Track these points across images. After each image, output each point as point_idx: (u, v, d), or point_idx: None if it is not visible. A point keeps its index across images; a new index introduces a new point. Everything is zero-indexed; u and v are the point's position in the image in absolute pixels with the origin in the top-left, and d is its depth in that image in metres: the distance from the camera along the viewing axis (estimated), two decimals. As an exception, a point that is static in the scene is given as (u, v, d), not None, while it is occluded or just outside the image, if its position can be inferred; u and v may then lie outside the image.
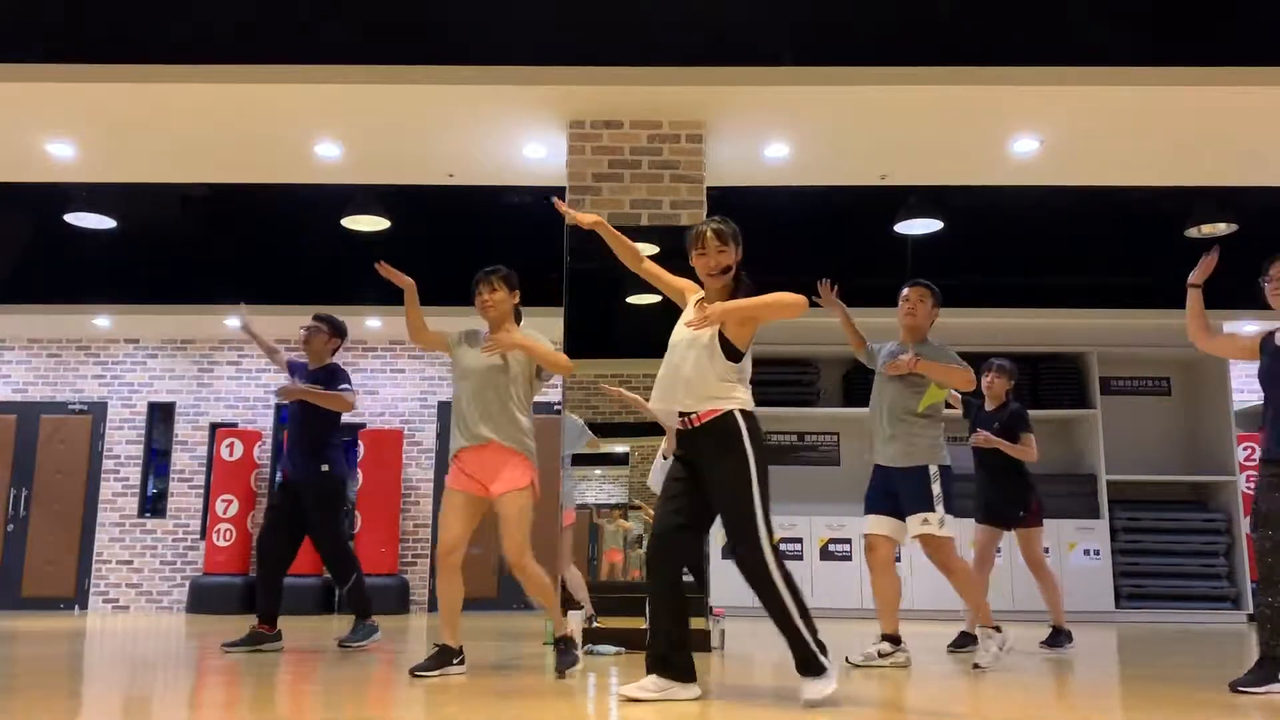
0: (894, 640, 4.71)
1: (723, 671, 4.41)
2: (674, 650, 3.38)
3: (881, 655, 4.66)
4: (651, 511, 5.74)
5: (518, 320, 4.42)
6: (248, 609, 9.70)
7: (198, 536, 10.54)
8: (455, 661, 4.13)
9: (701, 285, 3.65)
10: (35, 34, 5.92)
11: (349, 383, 5.68)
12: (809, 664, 3.29)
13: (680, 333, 3.56)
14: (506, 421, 4.17)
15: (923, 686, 3.91)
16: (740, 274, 3.58)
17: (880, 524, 4.70)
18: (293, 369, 5.77)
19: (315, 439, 5.58)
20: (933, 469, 4.58)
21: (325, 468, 5.58)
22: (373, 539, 10.07)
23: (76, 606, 10.45)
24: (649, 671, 3.38)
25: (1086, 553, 9.23)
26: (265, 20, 5.99)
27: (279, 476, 5.69)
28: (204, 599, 9.84)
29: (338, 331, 5.85)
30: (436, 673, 4.04)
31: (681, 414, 3.47)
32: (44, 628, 7.48)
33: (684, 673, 3.39)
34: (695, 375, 3.43)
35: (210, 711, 3.12)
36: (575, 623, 5.39)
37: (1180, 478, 9.70)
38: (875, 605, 4.80)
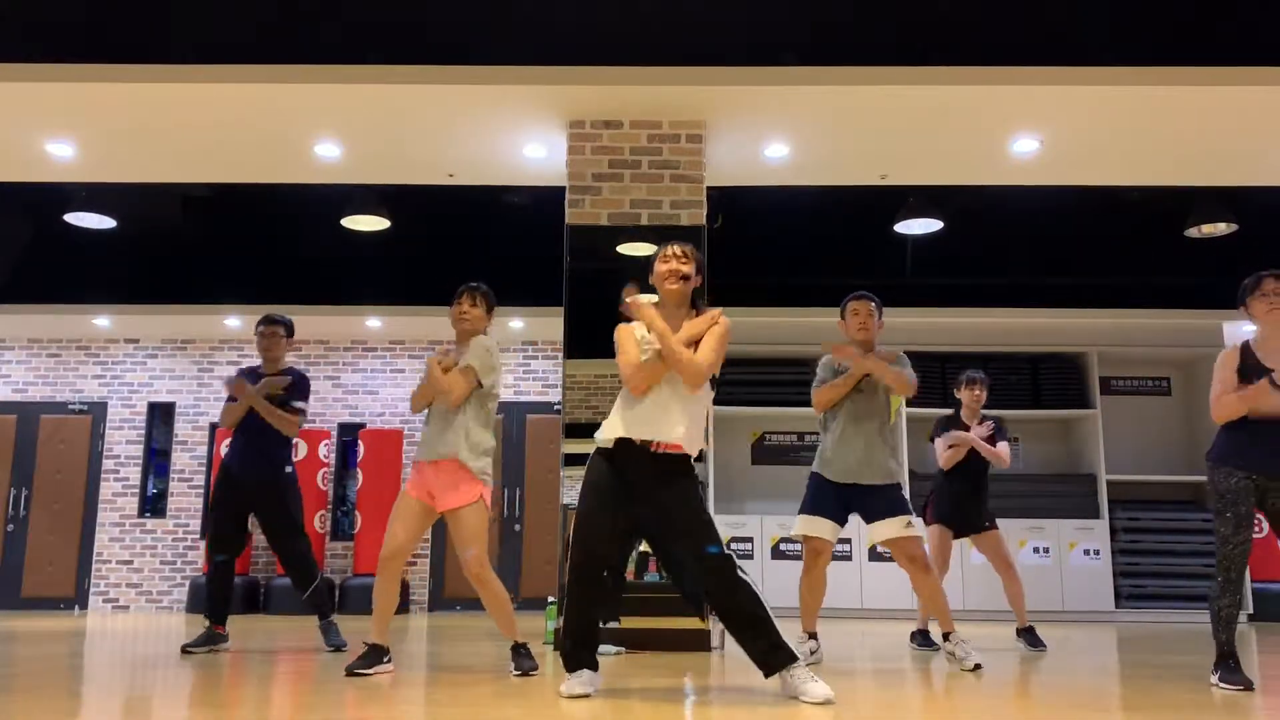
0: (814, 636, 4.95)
1: (723, 671, 4.42)
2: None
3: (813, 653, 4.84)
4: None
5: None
6: (248, 609, 9.71)
7: (198, 536, 10.54)
8: (385, 660, 4.21)
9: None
10: (35, 34, 5.92)
11: (307, 397, 5.57)
12: (779, 650, 3.37)
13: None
14: (462, 439, 4.16)
15: (922, 687, 3.91)
16: (698, 301, 3.76)
17: (828, 528, 4.77)
18: (249, 376, 5.59)
19: (277, 440, 5.52)
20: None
21: (289, 469, 5.54)
22: (373, 539, 10.06)
23: (76, 606, 10.45)
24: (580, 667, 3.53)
25: (1086, 553, 9.23)
26: (265, 20, 6.00)
27: (221, 471, 5.53)
28: (204, 599, 9.83)
29: (291, 332, 5.71)
30: (370, 671, 4.11)
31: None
32: (44, 628, 7.48)
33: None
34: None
35: (210, 711, 3.12)
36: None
37: (1180, 478, 9.70)
38: (808, 605, 4.98)
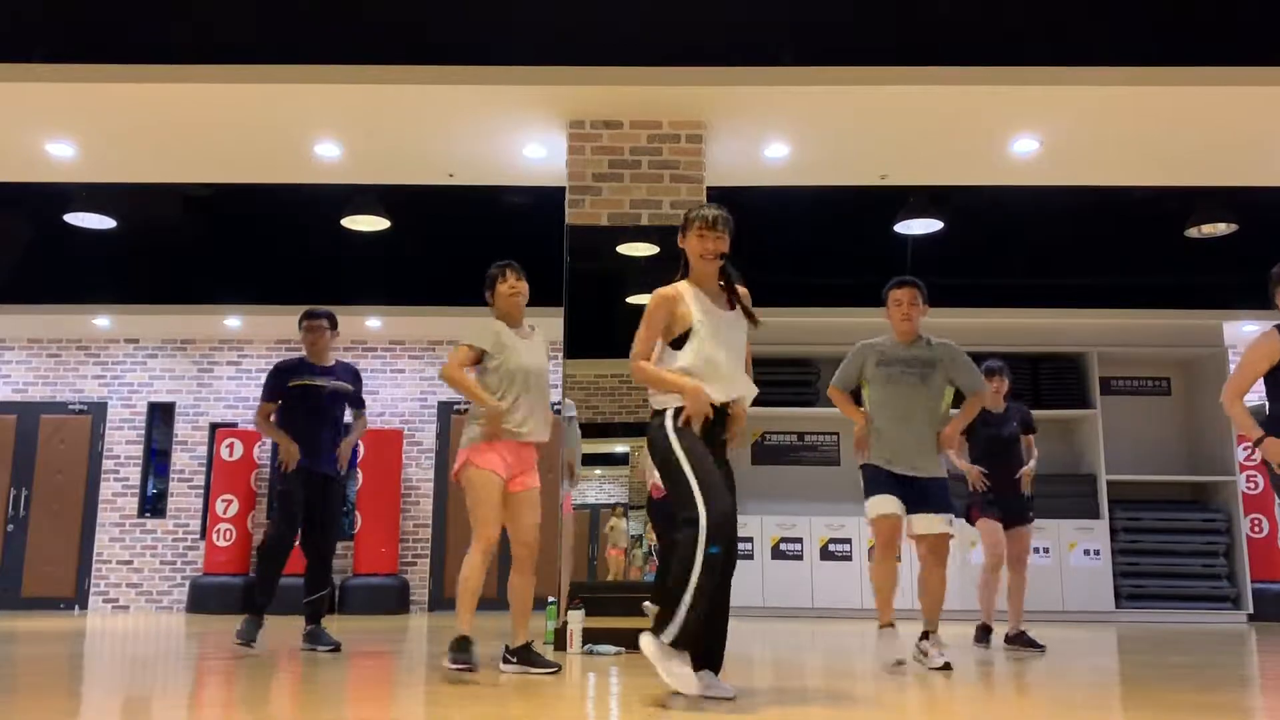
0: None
1: (723, 671, 4.41)
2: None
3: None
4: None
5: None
6: (248, 609, 9.69)
7: (198, 536, 10.55)
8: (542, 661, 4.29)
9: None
10: (35, 34, 5.92)
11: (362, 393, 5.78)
12: (662, 620, 3.20)
13: (718, 323, 3.56)
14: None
15: (921, 687, 3.91)
16: (728, 269, 3.68)
17: (897, 504, 4.59)
18: (299, 369, 5.51)
19: (338, 440, 5.57)
20: None
21: (343, 470, 5.61)
22: (373, 539, 10.07)
23: (76, 606, 10.45)
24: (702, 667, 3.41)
25: (1086, 553, 9.23)
26: (265, 20, 6.00)
27: (299, 470, 5.43)
28: (204, 599, 9.84)
29: (335, 325, 5.71)
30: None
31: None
32: (44, 628, 7.48)
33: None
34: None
35: (210, 711, 3.12)
36: (576, 623, 5.39)
37: (1180, 478, 9.70)
38: (886, 596, 4.67)
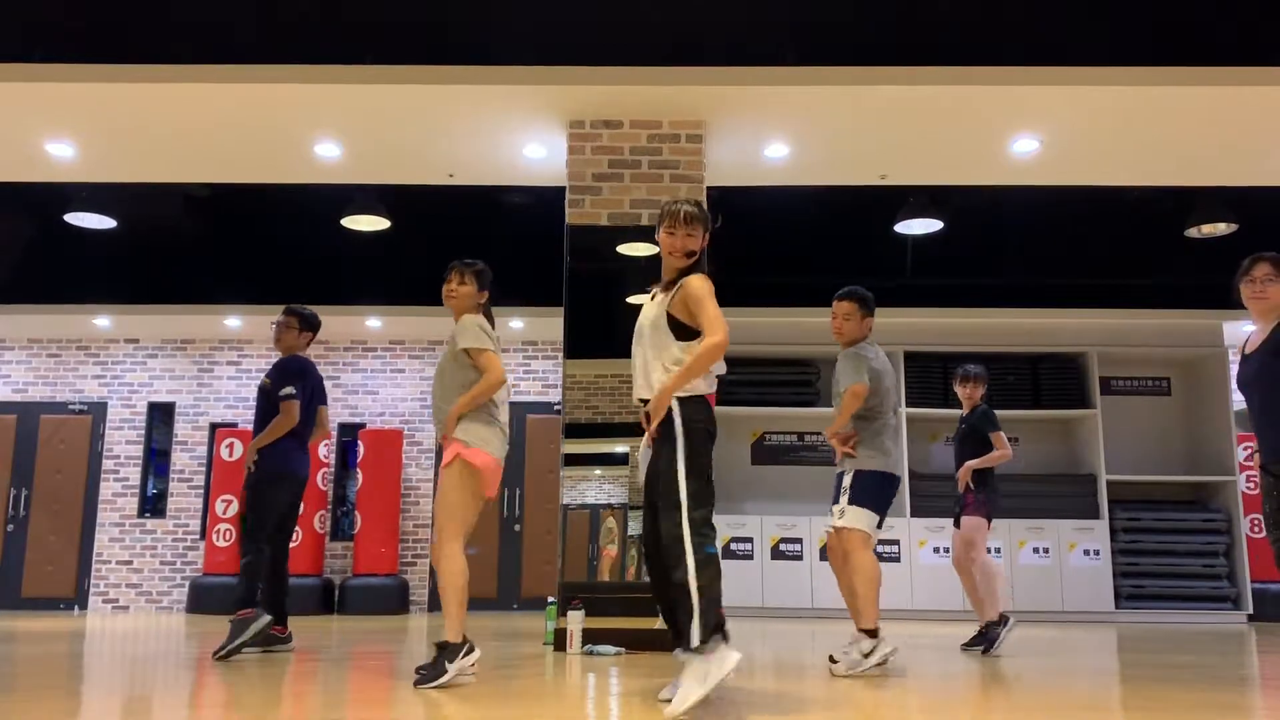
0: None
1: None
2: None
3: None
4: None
5: (490, 321, 4.32)
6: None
7: (197, 537, 10.55)
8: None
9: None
10: (35, 34, 5.92)
11: (288, 383, 5.42)
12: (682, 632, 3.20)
13: (643, 319, 3.55)
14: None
15: (920, 687, 3.91)
16: (700, 259, 3.55)
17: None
18: (298, 370, 5.48)
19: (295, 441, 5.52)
20: None
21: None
22: (373, 539, 10.07)
23: (76, 606, 10.45)
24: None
25: (1086, 553, 9.23)
26: (265, 20, 6.00)
27: (291, 473, 5.39)
28: (204, 599, 9.84)
29: (307, 325, 5.62)
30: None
31: (642, 400, 3.51)
32: (44, 628, 7.48)
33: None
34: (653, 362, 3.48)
35: (210, 711, 3.12)
36: (575, 623, 5.39)
37: (1180, 478, 9.70)
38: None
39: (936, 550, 9.18)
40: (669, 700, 3.17)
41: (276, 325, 5.61)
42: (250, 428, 10.56)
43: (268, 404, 5.42)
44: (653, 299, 3.58)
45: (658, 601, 3.45)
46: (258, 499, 5.27)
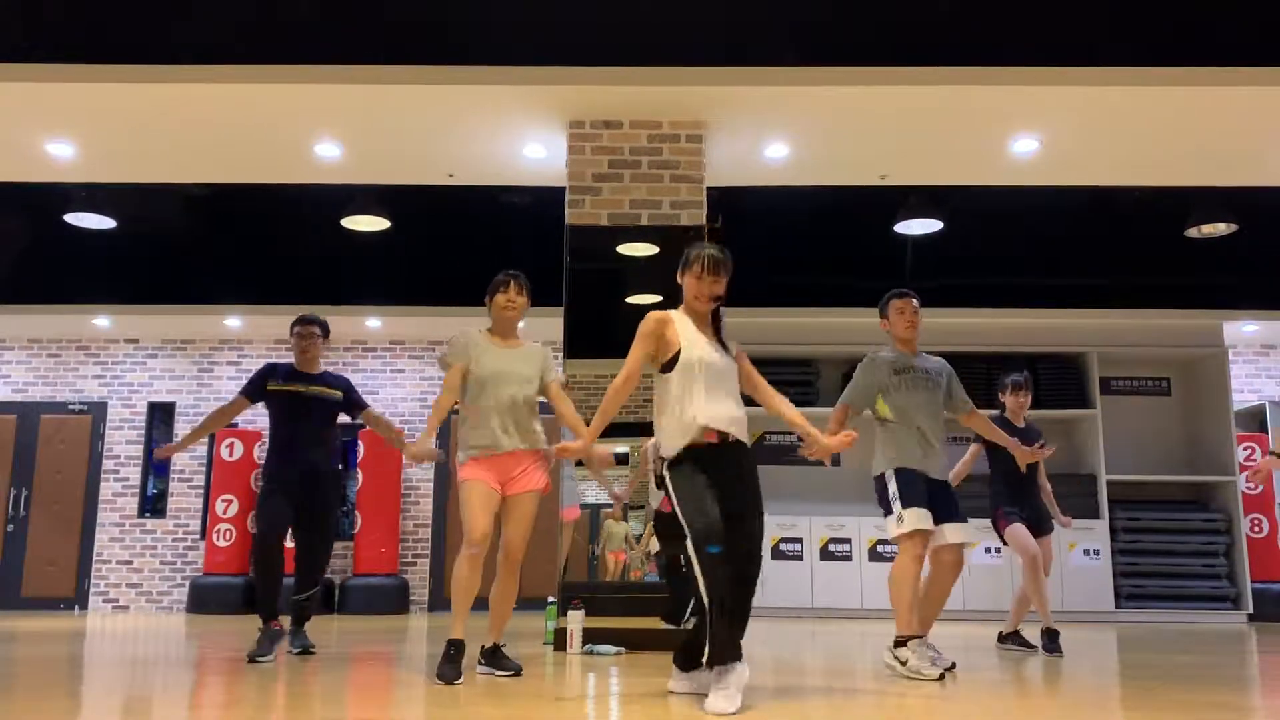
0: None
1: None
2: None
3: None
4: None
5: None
6: (248, 609, 9.70)
7: (198, 536, 10.55)
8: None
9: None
10: (35, 34, 5.92)
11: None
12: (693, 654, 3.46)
13: (707, 352, 3.59)
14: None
15: (921, 687, 3.91)
16: (719, 308, 3.74)
17: (931, 519, 4.46)
18: (275, 372, 5.38)
19: (332, 437, 5.42)
20: None
21: (340, 466, 5.53)
22: (373, 539, 10.07)
23: (76, 606, 10.45)
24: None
25: (1086, 553, 9.23)
26: (265, 20, 5.99)
27: (278, 468, 5.26)
28: (204, 599, 9.84)
29: (327, 332, 5.58)
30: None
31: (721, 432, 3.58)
32: (44, 628, 7.48)
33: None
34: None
35: (210, 711, 3.12)
36: (575, 623, 5.39)
37: (1180, 478, 9.71)
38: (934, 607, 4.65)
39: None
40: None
41: (302, 337, 5.40)
42: (250, 428, 10.57)
43: (317, 409, 5.34)
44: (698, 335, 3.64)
45: (737, 608, 3.36)
46: (337, 492, 5.45)
